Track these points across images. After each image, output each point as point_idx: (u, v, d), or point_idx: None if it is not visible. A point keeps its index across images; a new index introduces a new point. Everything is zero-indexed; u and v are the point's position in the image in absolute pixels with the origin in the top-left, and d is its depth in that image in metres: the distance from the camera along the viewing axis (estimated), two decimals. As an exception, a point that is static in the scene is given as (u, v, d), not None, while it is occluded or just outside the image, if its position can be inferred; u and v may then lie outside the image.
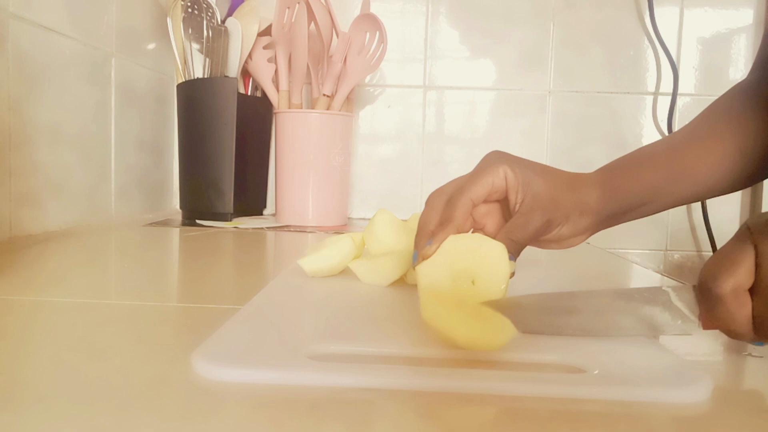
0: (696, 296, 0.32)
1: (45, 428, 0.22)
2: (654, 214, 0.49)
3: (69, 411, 0.23)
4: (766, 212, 0.29)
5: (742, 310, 0.29)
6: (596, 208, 0.45)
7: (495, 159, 0.44)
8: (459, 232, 0.41)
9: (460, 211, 0.41)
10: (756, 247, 0.29)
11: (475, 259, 0.37)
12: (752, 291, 0.30)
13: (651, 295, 0.33)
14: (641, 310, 0.33)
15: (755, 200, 1.09)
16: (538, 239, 0.44)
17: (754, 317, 0.29)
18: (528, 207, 0.43)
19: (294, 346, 0.30)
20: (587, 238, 0.47)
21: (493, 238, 0.40)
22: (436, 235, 0.39)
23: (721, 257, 0.30)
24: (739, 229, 0.30)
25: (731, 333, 0.31)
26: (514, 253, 0.40)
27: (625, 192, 0.46)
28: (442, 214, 0.42)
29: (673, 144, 0.50)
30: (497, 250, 0.38)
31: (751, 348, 0.35)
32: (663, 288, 0.33)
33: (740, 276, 0.29)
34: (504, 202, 0.45)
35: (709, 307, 0.31)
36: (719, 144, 0.47)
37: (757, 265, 0.29)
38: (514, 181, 0.43)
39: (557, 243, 0.46)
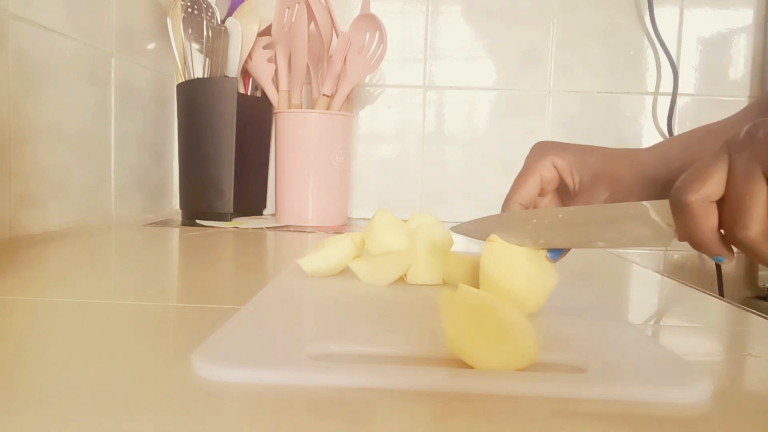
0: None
1: (45, 428, 0.22)
2: None
3: (68, 411, 0.23)
4: (747, 126, 0.29)
5: (707, 219, 0.30)
6: (653, 178, 0.44)
7: (540, 151, 0.44)
8: None
9: None
10: (729, 158, 0.29)
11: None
12: (721, 203, 0.30)
13: (631, 209, 0.34)
14: (622, 224, 0.34)
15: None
16: None
17: (720, 229, 0.30)
18: (588, 183, 0.42)
19: (294, 346, 0.30)
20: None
21: None
22: None
23: (694, 169, 0.30)
24: (719, 146, 0.31)
25: (696, 244, 0.31)
26: None
27: (677, 162, 0.45)
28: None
29: (726, 123, 0.48)
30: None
31: (751, 348, 0.35)
32: (642, 203, 0.34)
33: (708, 186, 0.29)
34: (562, 189, 0.45)
35: (678, 218, 0.31)
36: None
37: (729, 178, 0.29)
38: (565, 165, 0.43)
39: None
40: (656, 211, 0.33)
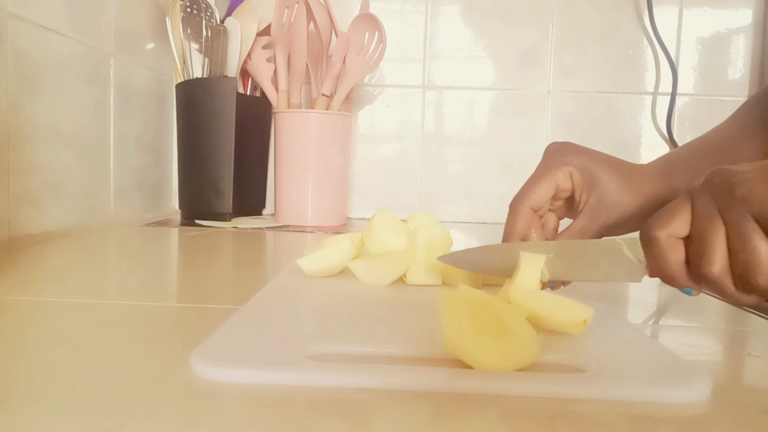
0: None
1: (43, 428, 0.22)
2: None
3: (67, 411, 0.23)
4: (708, 173, 0.31)
5: (674, 254, 0.32)
6: (656, 199, 0.45)
7: (559, 156, 0.44)
8: (526, 237, 0.43)
9: (518, 221, 0.43)
10: (692, 201, 0.31)
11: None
12: (687, 240, 0.32)
13: (606, 245, 0.37)
14: (599, 260, 0.37)
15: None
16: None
17: (687, 264, 0.32)
18: (593, 209, 0.43)
19: (293, 347, 0.30)
20: None
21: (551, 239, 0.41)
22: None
23: (663, 209, 0.33)
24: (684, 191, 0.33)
25: (666, 278, 0.33)
26: None
27: (681, 182, 0.46)
28: (504, 227, 0.43)
29: (714, 135, 0.49)
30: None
31: (751, 348, 0.36)
32: (615, 239, 0.36)
33: (674, 224, 0.32)
34: (570, 198, 0.45)
35: (647, 252, 0.33)
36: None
37: (692, 218, 0.31)
38: (581, 181, 0.43)
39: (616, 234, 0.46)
40: (629, 247, 0.35)
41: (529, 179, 0.44)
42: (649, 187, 0.45)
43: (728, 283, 0.30)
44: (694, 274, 0.31)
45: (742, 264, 0.29)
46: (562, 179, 0.43)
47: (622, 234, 0.46)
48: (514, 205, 0.43)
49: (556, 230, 0.46)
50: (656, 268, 0.33)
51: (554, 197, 0.44)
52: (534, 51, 1.10)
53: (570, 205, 0.46)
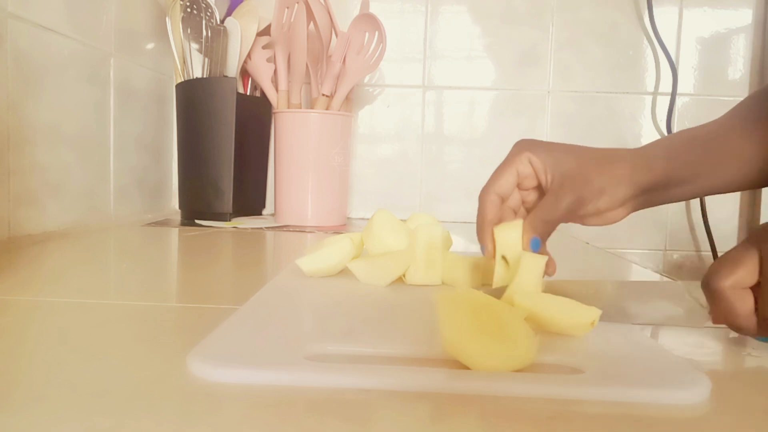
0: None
1: (43, 428, 0.22)
2: (697, 197, 0.50)
3: (67, 411, 0.23)
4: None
5: (743, 304, 0.31)
6: (630, 178, 0.45)
7: (519, 147, 0.46)
8: (498, 222, 0.44)
9: (487, 209, 0.45)
10: (760, 251, 0.31)
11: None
12: (757, 290, 0.31)
13: (666, 288, 0.37)
14: (657, 302, 0.37)
15: (755, 200, 1.09)
16: (574, 217, 0.45)
17: (758, 314, 0.31)
18: (557, 185, 0.44)
19: (291, 347, 0.30)
20: (629, 212, 0.47)
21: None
22: (480, 239, 0.44)
23: (725, 257, 0.32)
24: (746, 237, 0.32)
25: (735, 327, 0.32)
26: (543, 234, 0.42)
27: (660, 164, 0.46)
28: (476, 219, 0.45)
29: (711, 129, 0.49)
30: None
31: (751, 348, 0.36)
32: (677, 282, 0.36)
33: (739, 273, 0.31)
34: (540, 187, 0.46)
35: (712, 303, 0.32)
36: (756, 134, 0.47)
37: (762, 267, 0.30)
38: (540, 163, 0.45)
39: (598, 217, 0.46)
40: (690, 292, 0.35)
41: (493, 172, 0.46)
42: (623, 169, 0.45)
43: (746, 301, 0.30)
44: (762, 322, 0.31)
45: None
46: (522, 166, 0.45)
47: (594, 217, 0.46)
48: (481, 196, 0.45)
49: None
50: (723, 317, 0.32)
51: (521, 187, 0.46)
52: (534, 51, 1.10)
53: (541, 194, 0.47)
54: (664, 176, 0.46)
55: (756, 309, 0.31)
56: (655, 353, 0.32)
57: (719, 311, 0.32)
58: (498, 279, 0.41)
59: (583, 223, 0.46)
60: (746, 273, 0.31)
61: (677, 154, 0.47)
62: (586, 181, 0.44)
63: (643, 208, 0.47)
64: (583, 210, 0.44)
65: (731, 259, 0.31)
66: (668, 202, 0.48)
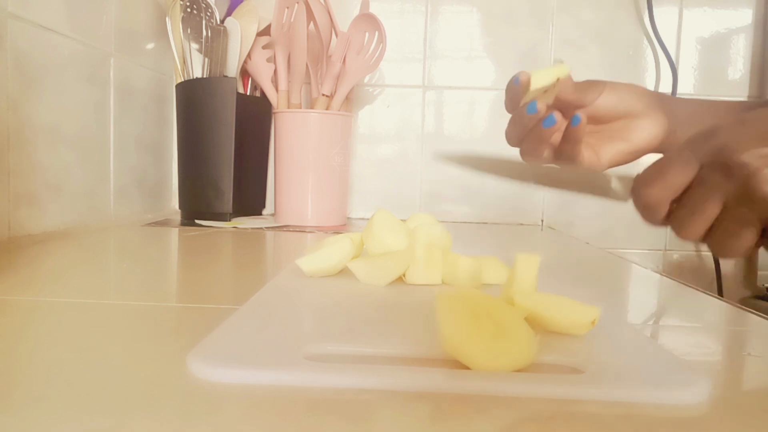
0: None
1: (43, 428, 0.22)
2: None
3: (67, 411, 0.23)
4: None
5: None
6: (669, 111, 0.48)
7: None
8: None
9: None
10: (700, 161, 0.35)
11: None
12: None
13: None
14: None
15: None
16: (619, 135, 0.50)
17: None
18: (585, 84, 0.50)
19: (292, 347, 0.30)
20: (658, 152, 0.50)
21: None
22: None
23: (653, 167, 0.37)
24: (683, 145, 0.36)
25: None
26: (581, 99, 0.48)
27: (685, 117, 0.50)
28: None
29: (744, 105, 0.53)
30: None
31: (750, 348, 0.36)
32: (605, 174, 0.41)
33: (666, 184, 0.36)
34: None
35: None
36: None
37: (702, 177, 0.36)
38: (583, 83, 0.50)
39: (629, 143, 0.49)
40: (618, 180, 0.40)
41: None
42: (663, 101, 0.49)
43: (662, 211, 0.36)
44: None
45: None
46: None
47: (640, 125, 0.49)
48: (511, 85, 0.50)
49: None
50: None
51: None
52: (534, 51, 1.10)
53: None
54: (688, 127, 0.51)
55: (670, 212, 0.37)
56: (655, 353, 0.32)
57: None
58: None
59: (619, 162, 0.50)
60: (672, 184, 0.35)
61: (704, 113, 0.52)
62: (636, 97, 0.49)
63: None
64: (627, 120, 0.49)
65: (659, 168, 0.35)
66: None
